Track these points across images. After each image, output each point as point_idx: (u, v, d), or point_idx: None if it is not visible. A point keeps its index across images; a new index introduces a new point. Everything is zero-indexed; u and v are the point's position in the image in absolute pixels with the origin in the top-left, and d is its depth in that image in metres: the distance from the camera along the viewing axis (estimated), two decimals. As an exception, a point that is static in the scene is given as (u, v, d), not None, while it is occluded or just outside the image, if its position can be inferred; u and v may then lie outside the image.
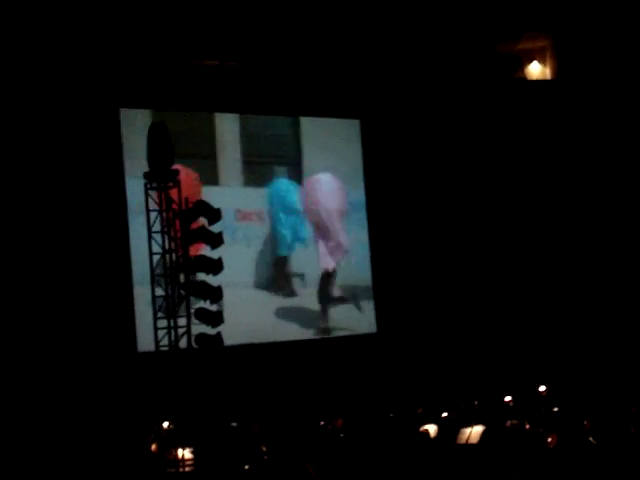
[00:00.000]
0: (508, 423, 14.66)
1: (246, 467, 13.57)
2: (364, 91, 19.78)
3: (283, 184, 19.47)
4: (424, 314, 19.81)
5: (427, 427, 14.81)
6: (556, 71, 21.32)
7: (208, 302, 13.76)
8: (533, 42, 21.05)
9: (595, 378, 18.74)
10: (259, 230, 19.05)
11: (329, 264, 19.63)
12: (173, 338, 13.66)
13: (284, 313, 19.00)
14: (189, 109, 18.30)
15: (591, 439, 13.72)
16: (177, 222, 13.72)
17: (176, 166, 13.82)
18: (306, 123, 19.69)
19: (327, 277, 19.55)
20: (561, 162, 21.01)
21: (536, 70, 21.43)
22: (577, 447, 13.85)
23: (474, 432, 14.09)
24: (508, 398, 16.70)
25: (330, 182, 19.81)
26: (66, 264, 16.63)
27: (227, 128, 18.92)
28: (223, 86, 18.45)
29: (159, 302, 13.79)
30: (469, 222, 20.51)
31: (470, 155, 20.56)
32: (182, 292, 13.68)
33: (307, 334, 19.13)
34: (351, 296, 19.69)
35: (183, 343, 13.71)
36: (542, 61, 21.38)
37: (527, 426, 14.97)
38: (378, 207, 20.01)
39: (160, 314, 13.76)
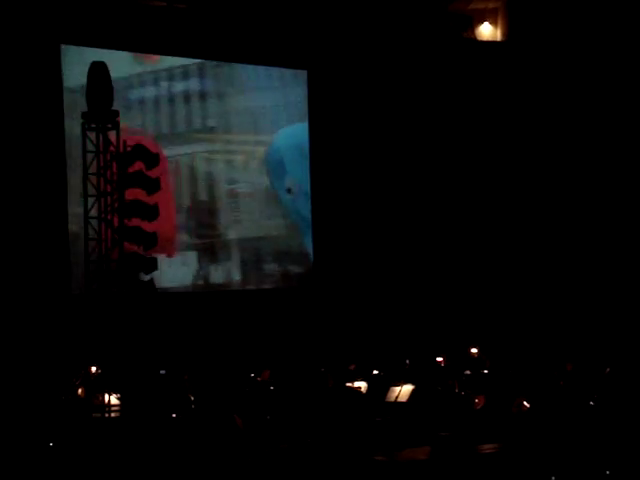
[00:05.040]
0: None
1: (173, 415, 13.51)
2: (312, 42, 19.58)
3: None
4: (360, 270, 19.80)
5: (357, 384, 14.86)
6: (507, 33, 21.27)
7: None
8: (485, 3, 20.98)
9: (526, 342, 18.93)
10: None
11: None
12: (106, 282, 13.50)
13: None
14: (132, 50, 17.96)
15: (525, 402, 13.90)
16: (114, 165, 13.49)
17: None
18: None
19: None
20: (507, 124, 21.01)
21: (487, 31, 21.36)
22: (505, 409, 14.04)
23: (404, 390, 14.16)
24: (439, 358, 16.80)
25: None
26: (3, 202, 16.31)
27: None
28: (169, 28, 18.12)
29: (92, 245, 13.58)
30: (415, 177, 20.53)
31: (415, 111, 20.49)
32: (115, 236, 13.47)
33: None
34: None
35: (115, 288, 13.54)
36: (493, 22, 21.32)
37: (456, 387, 15.12)
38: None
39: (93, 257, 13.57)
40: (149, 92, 18.47)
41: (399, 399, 14.10)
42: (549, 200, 20.70)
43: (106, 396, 13.29)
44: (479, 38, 21.37)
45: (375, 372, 15.85)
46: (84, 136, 13.54)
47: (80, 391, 14.08)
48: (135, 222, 13.52)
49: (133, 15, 17.63)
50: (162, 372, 14.86)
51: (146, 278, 13.65)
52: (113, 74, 13.66)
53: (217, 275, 19.09)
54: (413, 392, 14.15)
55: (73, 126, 16.17)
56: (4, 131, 16.43)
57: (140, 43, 17.95)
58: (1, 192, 16.34)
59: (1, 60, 16.36)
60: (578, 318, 19.53)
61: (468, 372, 16.06)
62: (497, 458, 12.51)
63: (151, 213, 13.43)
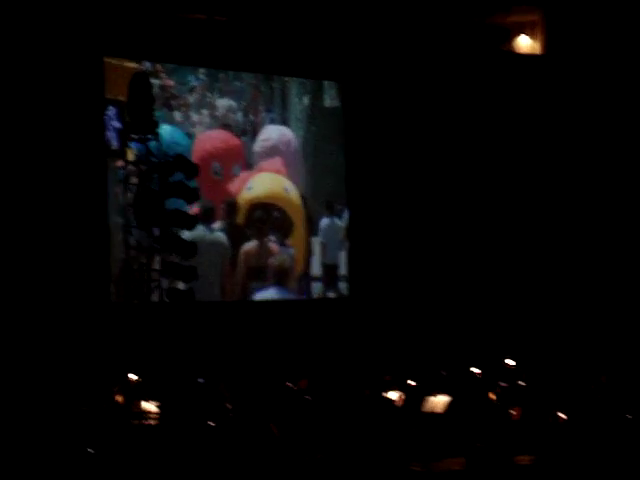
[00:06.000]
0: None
1: (210, 424, 13.60)
2: (347, 54, 19.67)
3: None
4: (396, 281, 19.82)
5: (393, 394, 14.89)
6: (545, 46, 21.24)
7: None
8: (524, 15, 20.96)
9: (563, 354, 18.86)
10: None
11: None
12: (145, 291, 13.66)
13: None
14: (173, 62, 18.16)
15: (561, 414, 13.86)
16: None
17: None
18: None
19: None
20: (546, 137, 20.97)
21: (525, 44, 21.34)
22: (541, 421, 14.00)
23: (439, 401, 14.17)
24: (476, 370, 16.78)
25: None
26: (45, 211, 16.48)
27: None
28: (210, 41, 18.28)
29: (133, 254, 13.76)
30: (450, 190, 20.51)
31: (453, 124, 20.49)
32: (156, 246, 13.63)
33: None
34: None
35: (155, 297, 13.70)
36: (532, 35, 21.30)
37: (493, 398, 15.10)
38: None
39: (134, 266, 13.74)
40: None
41: (435, 410, 14.12)
42: (590, 211, 20.62)
43: (145, 404, 13.40)
44: (517, 51, 21.36)
45: (411, 382, 15.85)
46: (125, 146, 13.71)
47: (119, 398, 14.21)
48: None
49: (173, 28, 17.81)
50: (200, 380, 14.97)
51: (185, 287, 13.78)
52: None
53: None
54: (449, 403, 14.16)
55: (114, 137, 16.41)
56: (47, 141, 16.61)
57: (180, 55, 18.12)
58: (43, 201, 16.51)
59: (46, 72, 16.57)
60: (614, 329, 19.45)
61: (504, 383, 16.02)
62: (533, 470, 12.49)
63: (190, 222, 13.59)
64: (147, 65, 17.53)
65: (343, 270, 19.92)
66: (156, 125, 13.64)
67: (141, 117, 13.49)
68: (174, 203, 13.70)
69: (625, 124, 20.56)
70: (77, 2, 16.65)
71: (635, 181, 20.50)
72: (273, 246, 19.05)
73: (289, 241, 19.35)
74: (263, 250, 18.88)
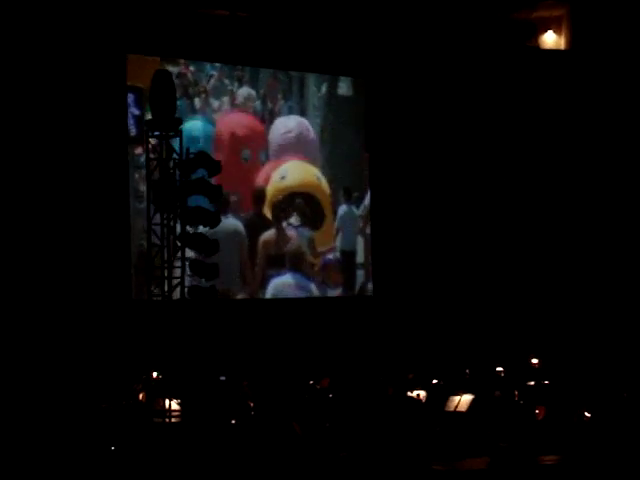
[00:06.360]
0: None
1: (233, 422, 13.57)
2: (371, 50, 19.61)
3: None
4: (420, 280, 19.74)
5: (416, 392, 14.82)
6: (570, 42, 21.08)
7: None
8: (549, 11, 20.81)
9: (588, 353, 18.72)
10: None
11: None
12: (167, 288, 13.61)
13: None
14: (195, 58, 18.14)
15: (586, 413, 13.76)
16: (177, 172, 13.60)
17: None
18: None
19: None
20: (571, 133, 20.82)
21: (551, 39, 21.19)
22: (566, 420, 13.91)
23: (463, 400, 14.10)
24: (499, 368, 16.69)
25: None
26: (67, 207, 16.53)
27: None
28: (232, 37, 18.26)
29: (155, 251, 13.70)
30: (472, 190, 20.40)
31: (479, 120, 20.38)
32: (178, 243, 13.58)
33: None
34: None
35: (177, 294, 13.65)
36: (557, 31, 21.15)
37: (517, 397, 15.01)
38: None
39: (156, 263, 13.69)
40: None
41: (458, 409, 14.05)
42: (616, 210, 20.44)
43: (167, 401, 13.39)
44: (543, 46, 21.20)
45: (435, 381, 15.78)
46: (147, 143, 13.67)
47: (141, 396, 14.20)
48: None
49: (196, 24, 17.80)
50: (222, 378, 14.94)
51: (207, 285, 13.72)
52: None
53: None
54: (473, 402, 14.08)
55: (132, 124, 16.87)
56: (69, 139, 16.63)
57: (203, 51, 18.10)
58: (65, 199, 16.53)
59: (70, 69, 16.59)
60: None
61: (529, 382, 15.92)
62: (558, 469, 12.41)
63: (213, 220, 13.53)
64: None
65: (360, 258, 19.87)
66: (179, 122, 13.56)
67: (164, 114, 13.40)
68: (195, 200, 13.65)
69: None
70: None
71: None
72: (291, 233, 19.07)
73: (320, 230, 19.48)
74: (281, 238, 18.94)
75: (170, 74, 13.84)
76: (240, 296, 18.46)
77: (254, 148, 18.83)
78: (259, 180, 18.86)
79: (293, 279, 19.07)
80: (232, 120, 18.63)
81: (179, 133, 13.55)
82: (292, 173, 19.22)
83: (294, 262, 19.08)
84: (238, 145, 18.62)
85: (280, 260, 18.96)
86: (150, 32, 17.23)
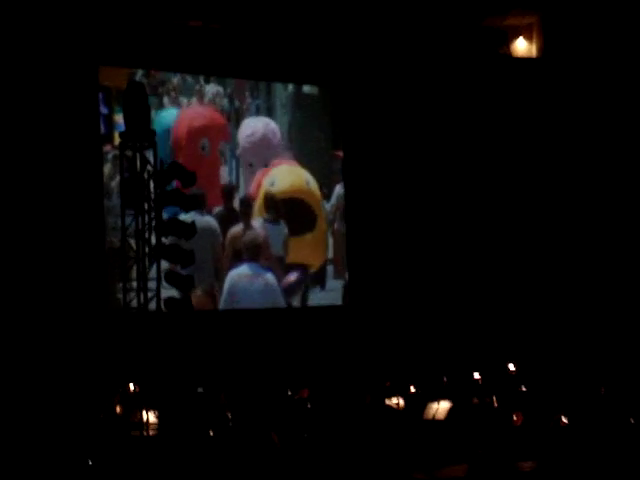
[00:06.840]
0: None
1: (211, 433, 13.52)
2: (342, 60, 19.64)
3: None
4: (395, 287, 19.75)
5: (394, 401, 14.82)
6: (542, 49, 21.21)
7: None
8: (520, 19, 20.94)
9: (565, 359, 18.79)
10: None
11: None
12: (142, 300, 13.55)
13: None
14: (169, 69, 18.12)
15: (563, 418, 13.79)
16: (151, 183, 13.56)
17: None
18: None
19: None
20: (543, 140, 20.93)
21: (522, 47, 21.32)
22: (542, 426, 13.94)
23: (441, 408, 14.10)
24: (477, 375, 16.71)
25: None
26: (42, 218, 16.46)
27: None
28: (205, 48, 18.26)
29: (130, 263, 13.65)
30: (444, 195, 20.44)
31: (449, 127, 20.43)
32: (153, 254, 13.54)
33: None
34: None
35: (152, 306, 13.59)
36: (528, 38, 21.28)
37: (494, 404, 15.03)
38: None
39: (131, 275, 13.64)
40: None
41: (436, 416, 14.05)
42: (590, 216, 20.56)
43: (144, 414, 13.33)
44: (514, 54, 21.33)
45: (412, 389, 15.79)
46: (122, 154, 13.63)
47: (118, 409, 14.13)
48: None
49: (169, 35, 17.78)
50: (200, 390, 14.89)
51: (181, 296, 13.68)
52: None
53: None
54: (450, 409, 14.08)
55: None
56: (42, 149, 16.56)
57: (176, 62, 18.08)
58: (40, 210, 16.45)
59: (41, 81, 16.52)
60: (616, 333, 19.38)
61: (505, 389, 15.96)
62: (536, 475, 12.42)
63: (188, 232, 13.49)
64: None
65: (330, 253, 19.88)
66: (153, 134, 13.53)
67: (138, 126, 13.37)
68: (170, 211, 13.63)
69: (622, 126, 20.51)
70: (75, 9, 16.60)
71: (632, 182, 20.43)
72: (257, 227, 19.11)
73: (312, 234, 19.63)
74: (246, 232, 19.01)
75: (143, 86, 13.81)
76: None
77: (212, 138, 18.74)
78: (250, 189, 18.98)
79: (250, 269, 18.97)
80: (194, 112, 18.63)
81: (153, 145, 13.53)
82: (280, 179, 19.31)
83: (251, 253, 18.98)
84: (196, 135, 18.53)
85: (239, 253, 18.92)
86: (123, 43, 17.21)
